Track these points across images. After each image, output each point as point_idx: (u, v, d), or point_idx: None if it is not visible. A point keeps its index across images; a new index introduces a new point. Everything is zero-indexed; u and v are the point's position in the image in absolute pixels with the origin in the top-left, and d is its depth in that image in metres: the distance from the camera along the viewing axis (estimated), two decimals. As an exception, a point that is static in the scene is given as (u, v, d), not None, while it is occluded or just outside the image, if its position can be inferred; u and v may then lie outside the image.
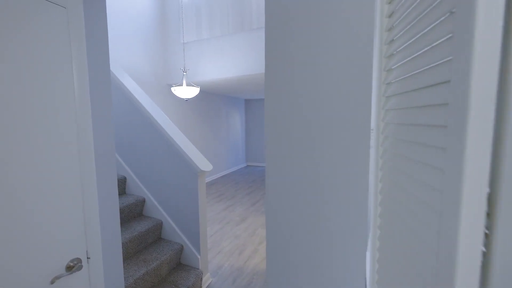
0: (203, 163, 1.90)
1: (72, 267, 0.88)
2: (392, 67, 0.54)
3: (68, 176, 0.90)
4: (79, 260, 0.91)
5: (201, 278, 1.93)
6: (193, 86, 3.47)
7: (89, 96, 0.97)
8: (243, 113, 7.50)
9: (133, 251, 1.79)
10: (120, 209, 1.89)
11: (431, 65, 0.35)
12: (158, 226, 2.02)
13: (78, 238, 0.93)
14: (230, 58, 3.92)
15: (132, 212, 2.01)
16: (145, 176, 2.13)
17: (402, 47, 0.47)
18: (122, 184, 2.18)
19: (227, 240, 2.77)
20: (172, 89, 3.29)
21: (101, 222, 1.05)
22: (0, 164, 0.71)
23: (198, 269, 1.95)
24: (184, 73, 3.39)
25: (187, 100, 3.31)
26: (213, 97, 5.82)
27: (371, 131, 0.64)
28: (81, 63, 0.93)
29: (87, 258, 0.97)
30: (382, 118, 0.62)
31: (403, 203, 0.45)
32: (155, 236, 2.00)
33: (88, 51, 0.98)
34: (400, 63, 0.48)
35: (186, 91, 3.26)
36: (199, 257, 1.95)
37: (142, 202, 2.10)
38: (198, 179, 1.89)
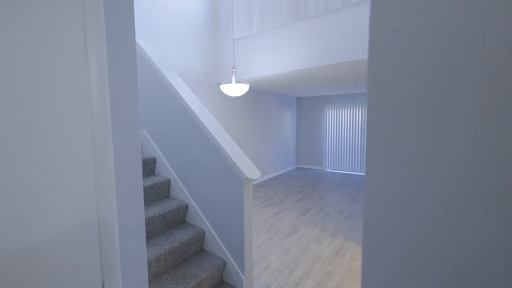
0: (250, 170, 1.62)
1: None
2: None
3: (79, 188, 0.70)
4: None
5: (245, 302, 1.67)
6: (242, 83, 3.27)
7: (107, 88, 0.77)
8: (294, 112, 7.10)
9: (172, 264, 1.62)
10: (161, 215, 1.76)
11: None
12: (200, 237, 1.83)
13: (92, 262, 0.74)
14: (282, 52, 3.61)
15: (174, 218, 1.87)
16: (189, 180, 1.97)
17: None
18: (166, 187, 2.06)
19: (276, 254, 2.46)
20: (221, 86, 3.14)
21: (121, 240, 0.85)
22: None
23: (242, 291, 1.69)
24: (234, 70, 3.20)
25: (235, 98, 3.12)
26: (263, 95, 5.59)
27: None
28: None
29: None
30: None
31: None
32: (196, 247, 1.81)
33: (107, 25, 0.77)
34: None
35: (235, 89, 3.07)
36: (243, 277, 1.69)
37: (185, 208, 1.94)
38: (243, 188, 1.63)
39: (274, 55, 3.67)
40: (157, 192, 1.99)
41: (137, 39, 2.25)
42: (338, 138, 6.57)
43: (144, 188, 1.88)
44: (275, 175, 6.10)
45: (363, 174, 6.08)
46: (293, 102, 7.06)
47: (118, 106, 0.80)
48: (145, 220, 1.65)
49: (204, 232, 1.86)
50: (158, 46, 3.34)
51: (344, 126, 6.48)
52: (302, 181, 5.40)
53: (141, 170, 0.90)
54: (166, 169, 2.12)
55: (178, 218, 1.90)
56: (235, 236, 1.72)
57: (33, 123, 0.66)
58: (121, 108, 0.82)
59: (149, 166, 2.16)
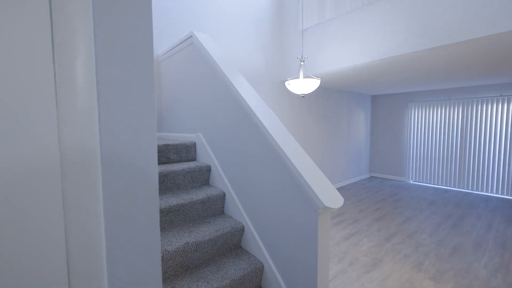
0: (329, 196, 1.14)
1: None
2: None
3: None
4: None
5: None
6: (312, 77, 2.77)
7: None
8: (368, 112, 6.15)
9: (222, 306, 1.27)
10: (212, 240, 1.43)
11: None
12: (258, 272, 1.43)
13: None
14: (359, 39, 2.96)
15: (227, 243, 1.53)
16: (246, 196, 1.61)
17: None
18: (221, 201, 1.75)
19: (353, 297, 1.89)
20: (287, 83, 2.71)
21: None
22: None
23: None
24: (302, 63, 2.73)
25: (303, 96, 2.64)
26: (332, 93, 4.93)
27: None
28: None
29: None
30: None
31: None
32: (252, 285, 1.42)
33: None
34: None
35: (303, 85, 2.60)
36: None
37: (240, 231, 1.58)
38: (318, 219, 1.16)
39: (351, 44, 3.04)
40: (210, 207, 1.69)
41: (194, 31, 2.02)
42: (427, 144, 5.35)
43: (195, 202, 1.61)
44: (345, 184, 5.34)
45: (465, 190, 4.75)
46: (367, 101, 6.12)
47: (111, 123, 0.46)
48: (193, 246, 1.35)
49: (263, 266, 1.46)
50: (218, 41, 3.14)
51: (436, 129, 5.22)
52: (379, 195, 4.52)
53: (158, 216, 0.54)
54: (221, 180, 1.81)
55: (232, 242, 1.56)
56: (303, 278, 1.26)
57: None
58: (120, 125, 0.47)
59: (203, 175, 1.90)
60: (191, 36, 2.07)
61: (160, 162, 1.93)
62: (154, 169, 0.54)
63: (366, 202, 4.11)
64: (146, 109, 0.52)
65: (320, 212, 1.14)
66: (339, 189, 4.96)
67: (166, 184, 1.72)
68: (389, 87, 4.88)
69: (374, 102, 6.23)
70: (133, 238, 0.52)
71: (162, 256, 1.23)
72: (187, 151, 2.07)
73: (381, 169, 6.09)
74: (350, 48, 3.07)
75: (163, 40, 2.64)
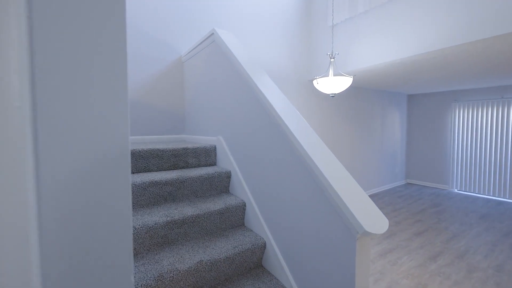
0: (369, 218, 0.92)
1: None
2: None
3: None
4: None
5: None
6: (343, 75, 2.52)
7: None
8: (404, 113, 5.64)
9: (238, 338, 1.10)
10: (229, 258, 1.27)
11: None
12: (281, 298, 1.24)
13: None
14: (396, 33, 2.64)
15: (246, 261, 1.35)
16: (268, 208, 1.43)
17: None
18: (241, 212, 1.59)
19: (393, 328, 1.61)
20: (315, 82, 2.49)
21: None
22: None
23: None
24: (332, 59, 2.49)
25: (333, 96, 2.40)
26: (365, 93, 4.57)
27: None
28: None
29: None
30: None
31: None
32: (274, 314, 1.23)
33: None
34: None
35: (333, 83, 2.36)
36: None
37: (261, 248, 1.40)
38: (355, 245, 0.94)
39: (387, 38, 2.73)
40: (228, 218, 1.54)
41: (216, 28, 1.89)
42: (475, 149, 4.74)
43: (212, 212, 1.46)
44: (378, 191, 4.92)
45: (523, 203, 4.11)
46: (403, 101, 5.61)
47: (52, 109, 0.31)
48: (208, 264, 1.20)
49: (287, 291, 1.27)
50: (241, 38, 3.00)
51: (487, 132, 4.61)
52: (418, 205, 4.06)
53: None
54: (242, 188, 1.65)
55: (252, 261, 1.38)
56: (335, 317, 1.04)
57: None
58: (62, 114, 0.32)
59: (222, 182, 1.75)
60: (212, 33, 1.94)
61: (178, 167, 1.82)
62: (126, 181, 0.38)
63: (403, 212, 3.70)
64: (114, 110, 0.36)
65: (358, 237, 0.93)
66: (371, 196, 4.56)
67: (183, 191, 1.60)
68: (428, 85, 4.40)
69: (411, 101, 5.70)
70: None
71: (172, 277, 1.09)
72: (206, 155, 1.94)
73: (419, 175, 5.54)
74: (385, 43, 2.76)
75: (185, 40, 2.56)
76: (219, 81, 1.92)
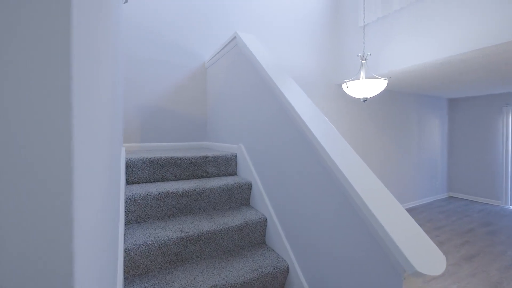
0: (421, 255, 0.72)
1: None
2: None
3: None
4: None
5: None
6: (376, 77, 2.29)
7: None
8: (444, 119, 5.12)
9: None
10: (248, 282, 1.12)
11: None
12: (306, 336, 1.06)
13: None
14: (436, 30, 2.37)
15: (266, 287, 1.20)
16: (293, 228, 1.26)
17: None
18: (261, 228, 1.44)
19: None
20: (344, 85, 2.29)
21: None
22: None
23: None
24: (363, 61, 2.28)
25: (365, 100, 2.18)
26: (399, 97, 4.22)
27: None
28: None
29: None
30: None
31: None
32: None
33: None
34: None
35: (365, 87, 2.14)
36: None
37: (283, 273, 1.24)
38: (402, 287, 0.74)
39: (425, 37, 2.47)
40: (247, 235, 1.40)
41: (238, 32, 1.80)
42: (534, 159, 4.12)
43: (230, 228, 1.33)
44: (415, 204, 4.47)
45: None
46: (443, 106, 5.11)
47: None
48: (222, 289, 1.06)
49: (313, 327, 1.09)
50: (265, 43, 2.90)
51: (549, 140, 3.98)
52: (465, 223, 3.58)
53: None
54: (263, 202, 1.51)
55: (273, 287, 1.22)
56: None
57: None
58: None
59: (242, 194, 1.63)
60: (234, 37, 1.86)
61: (197, 176, 1.73)
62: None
63: (447, 231, 3.27)
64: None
65: (405, 276, 0.74)
66: (408, 210, 4.14)
67: (200, 203, 1.50)
68: (474, 87, 3.94)
69: (452, 106, 5.17)
70: None
71: (182, 304, 0.97)
72: (226, 164, 1.83)
73: (464, 188, 4.95)
74: (424, 42, 2.48)
75: (209, 46, 2.52)
76: (241, 86, 1.82)
